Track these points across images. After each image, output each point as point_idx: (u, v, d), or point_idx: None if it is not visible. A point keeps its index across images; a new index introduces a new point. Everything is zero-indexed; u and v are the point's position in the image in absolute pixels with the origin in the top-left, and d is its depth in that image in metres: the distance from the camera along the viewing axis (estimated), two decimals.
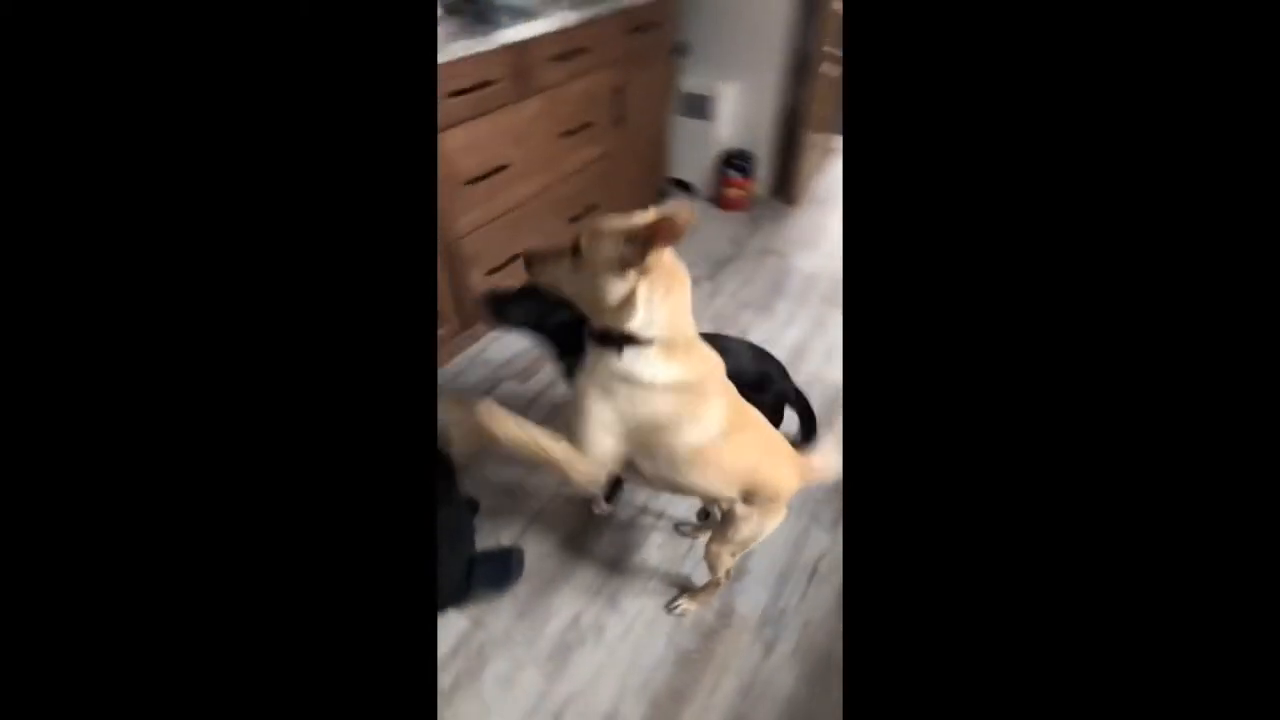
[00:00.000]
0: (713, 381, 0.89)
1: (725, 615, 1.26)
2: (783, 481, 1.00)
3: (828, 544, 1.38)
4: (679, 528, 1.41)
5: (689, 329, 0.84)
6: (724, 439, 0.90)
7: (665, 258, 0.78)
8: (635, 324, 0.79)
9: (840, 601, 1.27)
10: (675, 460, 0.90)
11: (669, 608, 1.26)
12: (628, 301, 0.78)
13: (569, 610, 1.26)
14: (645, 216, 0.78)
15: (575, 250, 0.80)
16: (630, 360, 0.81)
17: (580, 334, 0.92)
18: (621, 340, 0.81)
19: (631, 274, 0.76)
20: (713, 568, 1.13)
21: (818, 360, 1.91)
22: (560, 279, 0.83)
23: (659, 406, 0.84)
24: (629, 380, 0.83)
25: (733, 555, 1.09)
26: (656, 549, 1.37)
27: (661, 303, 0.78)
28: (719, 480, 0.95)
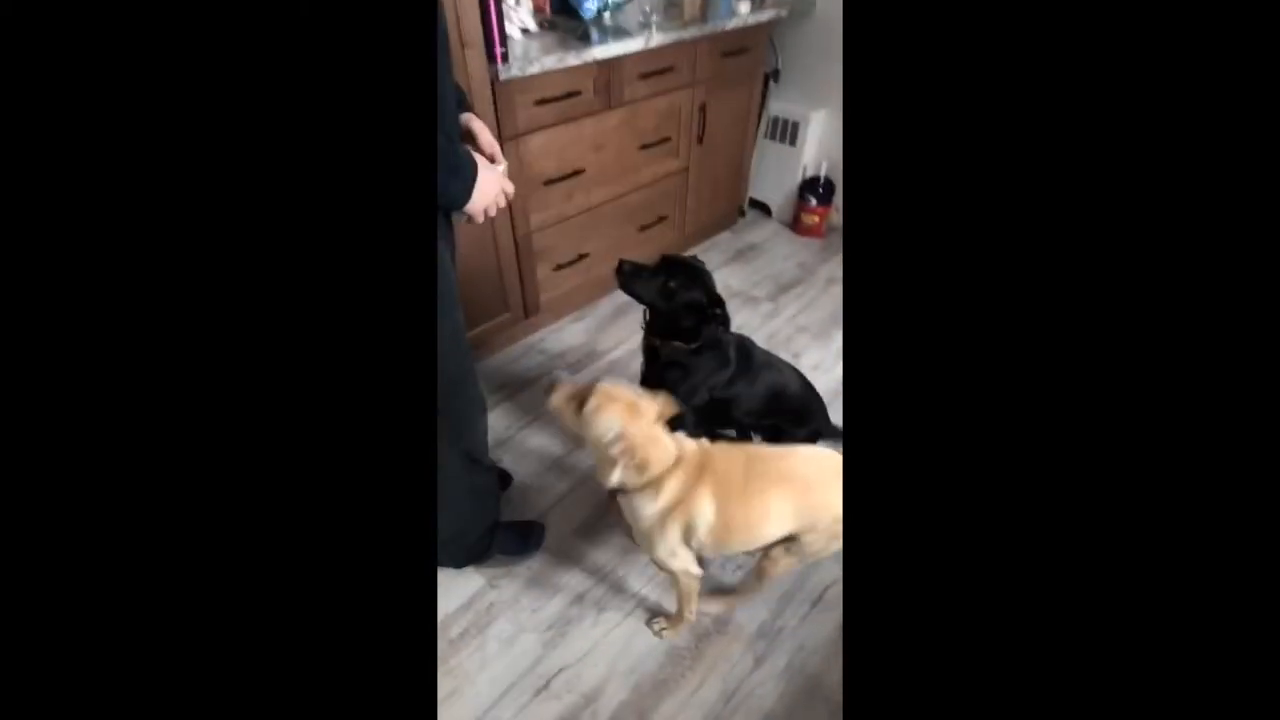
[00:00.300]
0: (688, 488, 1.00)
1: (722, 622, 1.29)
2: (826, 506, 1.02)
3: (838, 574, 1.37)
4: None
5: (666, 462, 0.98)
6: (743, 506, 1.01)
7: (640, 433, 0.94)
8: (613, 483, 0.97)
9: (839, 632, 1.27)
10: (709, 541, 1.05)
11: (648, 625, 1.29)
12: (609, 463, 0.95)
13: (576, 587, 1.34)
14: (645, 412, 0.96)
15: (580, 405, 0.95)
16: (627, 501, 1.02)
17: (690, 321, 1.25)
18: (613, 491, 1.00)
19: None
20: (763, 571, 1.17)
21: None
22: (567, 418, 0.98)
23: (659, 527, 1.03)
24: (637, 516, 1.03)
25: (787, 568, 1.15)
26: None
27: (636, 463, 0.95)
28: (771, 531, 1.05)
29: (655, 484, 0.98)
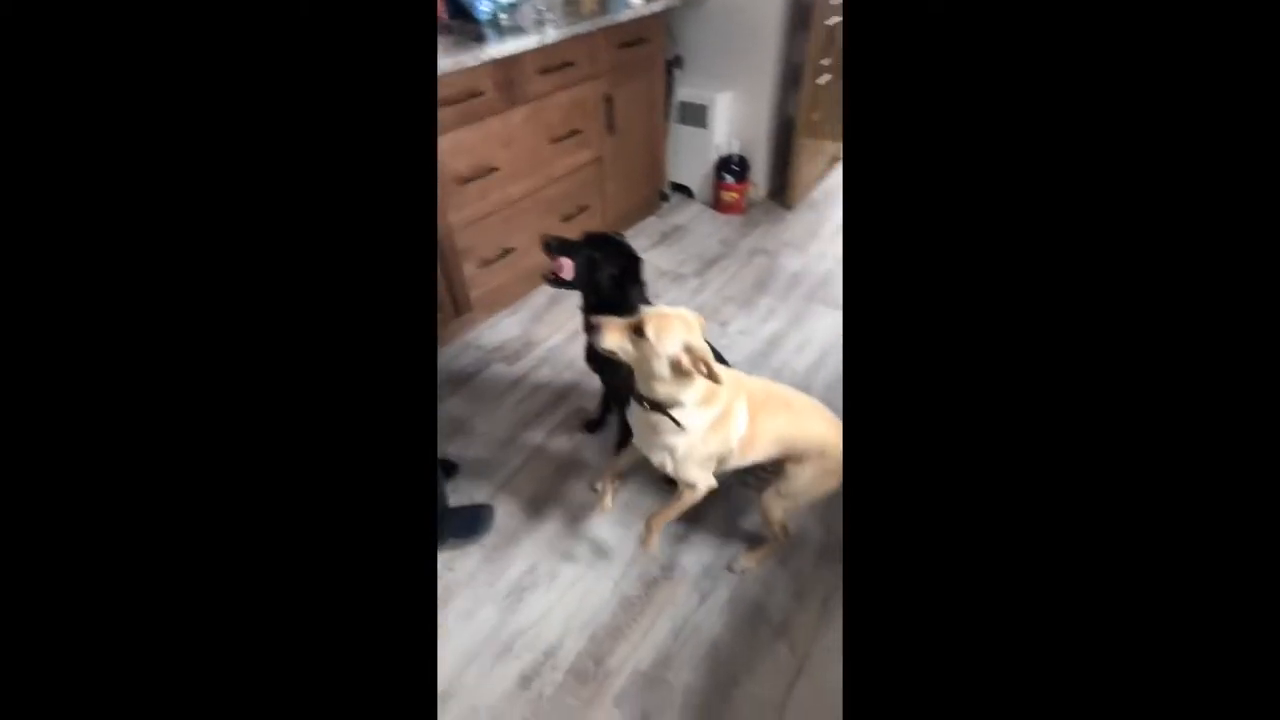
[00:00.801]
0: (733, 396, 1.09)
1: (669, 569, 1.38)
2: (814, 434, 1.16)
3: None
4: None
5: (724, 373, 1.02)
6: (752, 423, 1.12)
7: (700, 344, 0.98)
8: (673, 400, 1.02)
9: (776, 564, 1.38)
10: (731, 456, 1.15)
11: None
12: (672, 386, 0.99)
13: (529, 559, 1.41)
14: (694, 326, 0.99)
15: (639, 331, 0.97)
16: (679, 415, 1.04)
17: (615, 295, 1.28)
18: (662, 406, 1.03)
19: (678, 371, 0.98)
20: (766, 519, 1.27)
21: (789, 352, 2.01)
22: (626, 350, 0.99)
23: (702, 438, 1.09)
24: (672, 431, 1.06)
25: (784, 510, 1.25)
26: (620, 508, 1.51)
27: (706, 372, 0.96)
28: (762, 451, 1.17)
29: (709, 398, 1.04)
